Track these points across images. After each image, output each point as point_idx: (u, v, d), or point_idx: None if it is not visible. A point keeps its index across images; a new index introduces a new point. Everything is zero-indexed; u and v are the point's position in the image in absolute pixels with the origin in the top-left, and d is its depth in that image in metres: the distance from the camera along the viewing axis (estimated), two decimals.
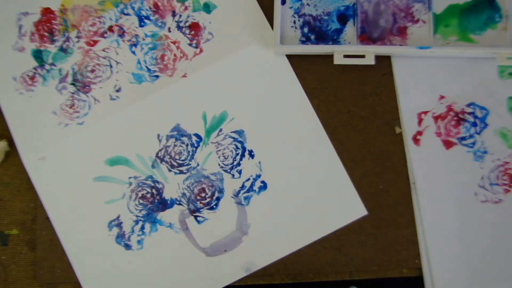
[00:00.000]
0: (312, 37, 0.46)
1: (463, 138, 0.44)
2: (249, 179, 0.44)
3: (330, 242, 0.44)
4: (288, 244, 0.44)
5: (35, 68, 0.46)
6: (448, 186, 0.43)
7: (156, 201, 0.45)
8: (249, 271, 0.44)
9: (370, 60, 0.43)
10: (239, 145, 0.45)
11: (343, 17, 0.46)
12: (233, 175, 0.45)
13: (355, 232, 0.44)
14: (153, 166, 0.45)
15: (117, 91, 0.46)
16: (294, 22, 0.46)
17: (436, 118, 0.44)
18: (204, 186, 0.45)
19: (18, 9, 0.47)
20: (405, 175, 0.44)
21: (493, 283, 0.42)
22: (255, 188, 0.44)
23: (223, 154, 0.45)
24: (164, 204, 0.45)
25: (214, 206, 0.44)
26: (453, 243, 0.43)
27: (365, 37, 0.45)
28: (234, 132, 0.45)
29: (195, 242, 0.44)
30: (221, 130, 0.45)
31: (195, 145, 0.45)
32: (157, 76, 0.46)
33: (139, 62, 0.46)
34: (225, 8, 0.46)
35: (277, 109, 0.45)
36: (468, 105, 0.44)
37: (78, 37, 0.47)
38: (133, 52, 0.46)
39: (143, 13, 0.47)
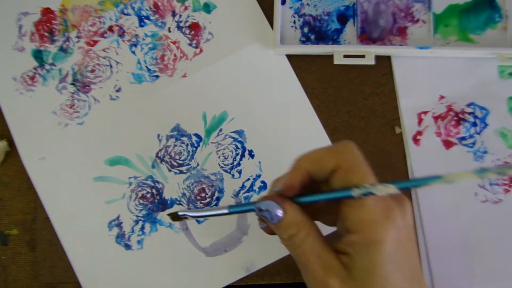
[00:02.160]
0: (312, 37, 0.46)
1: (463, 138, 0.44)
2: (249, 179, 0.44)
3: None
4: None
5: (35, 68, 0.46)
6: (448, 186, 0.43)
7: (156, 201, 0.45)
8: (249, 271, 0.44)
9: (370, 60, 0.43)
10: (239, 145, 0.45)
11: (343, 17, 0.46)
12: (233, 175, 0.45)
13: None
14: (153, 166, 0.45)
15: (117, 91, 0.46)
16: (294, 22, 0.46)
17: (436, 118, 0.44)
18: (204, 186, 0.45)
19: (18, 9, 0.47)
20: (405, 175, 0.44)
21: (493, 283, 0.42)
22: (255, 188, 0.44)
23: (223, 154, 0.45)
24: (164, 204, 0.45)
25: (214, 206, 0.44)
26: (453, 243, 0.43)
27: (365, 37, 0.45)
28: (234, 132, 0.45)
29: (195, 242, 0.44)
30: (221, 130, 0.45)
31: (195, 145, 0.45)
32: (157, 76, 0.46)
33: (139, 62, 0.46)
34: (225, 8, 0.46)
35: (277, 109, 0.45)
36: (468, 105, 0.44)
37: (78, 37, 0.47)
38: (133, 52, 0.46)
39: (143, 13, 0.47)
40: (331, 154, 0.30)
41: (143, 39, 0.46)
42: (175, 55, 0.46)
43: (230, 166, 0.45)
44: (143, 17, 0.47)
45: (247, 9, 0.46)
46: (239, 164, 0.45)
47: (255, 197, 0.44)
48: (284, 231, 0.31)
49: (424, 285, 0.30)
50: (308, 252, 0.30)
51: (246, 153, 0.45)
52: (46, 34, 0.47)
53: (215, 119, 0.45)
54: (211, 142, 0.45)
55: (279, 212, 0.30)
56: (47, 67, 0.46)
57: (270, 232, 0.33)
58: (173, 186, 0.45)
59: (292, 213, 0.30)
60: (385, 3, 0.46)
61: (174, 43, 0.46)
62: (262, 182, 0.44)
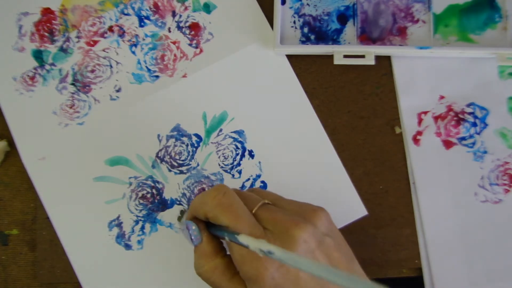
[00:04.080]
0: (312, 37, 0.46)
1: (463, 138, 0.44)
2: (249, 179, 0.44)
3: None
4: None
5: (35, 68, 0.46)
6: (448, 186, 0.43)
7: (156, 201, 0.45)
8: None
9: (370, 60, 0.43)
10: (239, 145, 0.45)
11: (343, 17, 0.46)
12: (233, 175, 0.45)
13: (355, 232, 0.44)
14: (153, 166, 0.45)
15: (117, 91, 0.46)
16: (294, 22, 0.46)
17: (436, 118, 0.44)
18: (204, 186, 0.45)
19: (18, 9, 0.47)
20: (405, 175, 0.44)
21: (493, 283, 0.42)
22: None
23: (223, 154, 0.45)
24: (164, 204, 0.45)
25: None
26: (453, 243, 0.43)
27: (365, 37, 0.45)
28: (234, 132, 0.45)
29: None
30: (221, 130, 0.45)
31: (195, 145, 0.45)
32: (157, 76, 0.46)
33: (139, 62, 0.46)
34: (225, 8, 0.46)
35: (277, 109, 0.45)
36: (468, 105, 0.44)
37: (78, 37, 0.47)
38: (133, 52, 0.46)
39: (143, 13, 0.47)
40: (201, 205, 0.33)
41: (143, 39, 0.46)
42: (175, 55, 0.46)
43: (230, 166, 0.45)
44: (143, 17, 0.47)
45: (247, 9, 0.46)
46: (239, 164, 0.45)
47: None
48: (196, 256, 0.35)
49: None
50: (217, 283, 0.33)
51: (246, 153, 0.45)
52: (46, 34, 0.47)
53: (215, 119, 0.45)
54: (211, 142, 0.45)
55: (197, 239, 0.34)
56: (47, 67, 0.46)
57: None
58: (173, 186, 0.45)
59: (205, 245, 0.34)
60: (385, 3, 0.46)
61: (174, 43, 0.46)
62: (262, 182, 0.44)
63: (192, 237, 0.34)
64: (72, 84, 0.46)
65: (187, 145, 0.45)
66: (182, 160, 0.45)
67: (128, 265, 0.44)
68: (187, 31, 0.46)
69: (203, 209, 0.33)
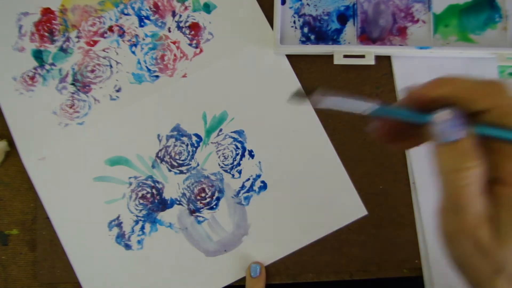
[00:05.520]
0: (312, 37, 0.46)
1: None
2: (249, 179, 0.44)
3: (330, 242, 0.44)
4: (288, 244, 0.44)
5: (35, 68, 0.46)
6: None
7: (156, 201, 0.45)
8: None
9: (370, 60, 0.43)
10: (239, 145, 0.45)
11: (343, 17, 0.46)
12: (233, 175, 0.45)
13: (355, 232, 0.44)
14: (153, 166, 0.45)
15: (117, 91, 0.46)
16: (294, 22, 0.46)
17: None
18: (204, 186, 0.45)
19: (18, 9, 0.47)
20: (405, 175, 0.44)
21: None
22: (255, 188, 0.44)
23: (223, 154, 0.45)
24: (164, 204, 0.45)
25: (214, 206, 0.44)
26: None
27: (365, 37, 0.45)
28: (234, 132, 0.45)
29: (195, 242, 0.44)
30: (221, 130, 0.45)
31: (195, 145, 0.45)
32: (157, 76, 0.46)
33: (139, 62, 0.46)
34: (225, 8, 0.46)
35: (277, 109, 0.45)
36: None
37: (78, 37, 0.47)
38: (133, 52, 0.46)
39: (143, 13, 0.47)
40: (487, 90, 0.24)
41: (143, 39, 0.46)
42: (175, 55, 0.46)
43: (230, 166, 0.45)
44: (143, 17, 0.47)
45: (247, 9, 0.46)
46: (239, 164, 0.45)
47: (255, 197, 0.44)
48: (453, 156, 0.24)
49: None
50: (469, 196, 0.24)
51: (246, 153, 0.45)
52: (46, 34, 0.47)
53: (215, 119, 0.45)
54: (211, 142, 0.45)
55: (458, 133, 0.24)
56: (47, 67, 0.46)
57: (387, 136, 0.27)
58: (173, 186, 0.45)
59: (472, 140, 0.24)
60: (385, 3, 0.46)
61: (174, 43, 0.46)
62: (262, 182, 0.44)
63: (448, 129, 0.24)
64: (72, 84, 0.46)
65: (187, 145, 0.45)
66: (182, 160, 0.45)
67: (128, 265, 0.44)
68: (187, 31, 0.46)
69: (475, 99, 0.23)
